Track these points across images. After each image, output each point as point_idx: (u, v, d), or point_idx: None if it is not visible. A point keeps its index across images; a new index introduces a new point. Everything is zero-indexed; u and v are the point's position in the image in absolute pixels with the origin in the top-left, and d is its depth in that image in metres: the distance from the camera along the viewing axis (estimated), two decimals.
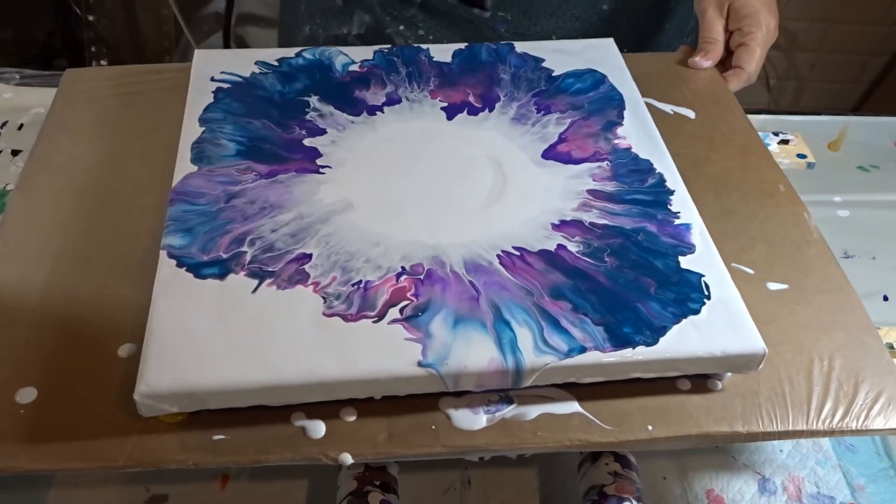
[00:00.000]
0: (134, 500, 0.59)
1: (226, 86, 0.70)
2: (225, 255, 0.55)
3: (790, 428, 0.52)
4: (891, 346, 0.60)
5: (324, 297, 0.52)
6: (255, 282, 0.53)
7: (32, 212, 0.63)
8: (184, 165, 0.62)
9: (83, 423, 0.50)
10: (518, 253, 0.56)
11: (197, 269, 0.53)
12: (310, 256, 0.55)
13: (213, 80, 0.70)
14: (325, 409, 0.51)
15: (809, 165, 0.74)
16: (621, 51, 0.78)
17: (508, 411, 0.52)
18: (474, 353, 0.50)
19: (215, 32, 1.80)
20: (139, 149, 0.69)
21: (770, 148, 0.76)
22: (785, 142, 0.77)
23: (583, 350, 0.50)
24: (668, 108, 0.76)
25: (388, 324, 0.51)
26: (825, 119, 0.95)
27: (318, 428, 0.51)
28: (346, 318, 0.51)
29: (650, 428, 0.52)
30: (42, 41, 1.77)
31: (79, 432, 0.49)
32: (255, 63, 0.73)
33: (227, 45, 1.80)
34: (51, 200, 0.64)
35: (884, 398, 0.54)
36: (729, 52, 0.81)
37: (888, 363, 0.56)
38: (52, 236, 0.61)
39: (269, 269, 0.54)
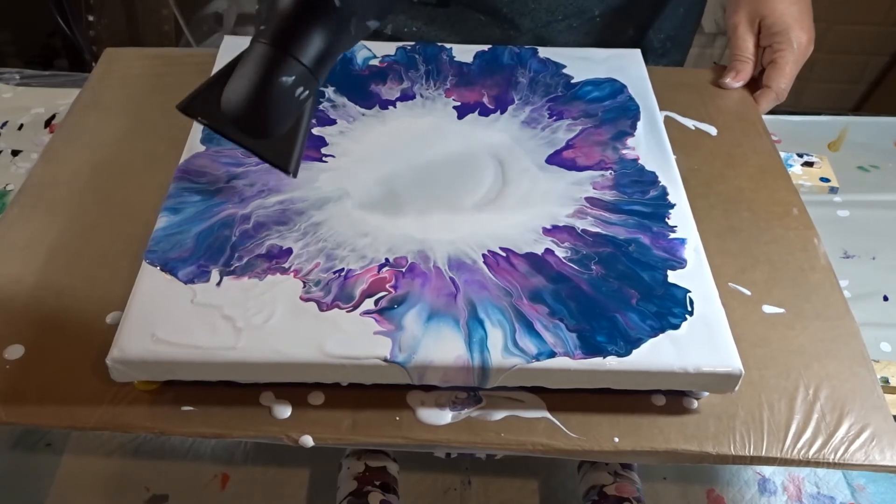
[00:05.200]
0: (134, 500, 0.61)
1: None
2: (210, 239, 0.56)
3: (763, 454, 0.51)
4: (885, 381, 0.58)
5: (303, 283, 0.53)
6: (237, 264, 0.54)
7: (49, 181, 0.66)
8: (193, 145, 0.63)
9: (62, 382, 0.52)
10: (504, 254, 0.56)
11: (174, 269, 0.54)
12: (294, 244, 0.56)
13: None
14: (294, 391, 0.52)
15: (832, 190, 0.72)
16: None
17: (474, 411, 0.52)
18: (443, 348, 0.50)
19: (215, 32, 1.83)
20: (160, 128, 0.71)
21: (792, 169, 0.74)
22: (809, 164, 0.74)
23: (552, 355, 0.50)
24: (690, 122, 0.75)
25: (361, 314, 0.51)
26: (825, 119, 0.93)
27: (284, 409, 0.52)
28: (321, 306, 0.52)
29: (617, 440, 0.51)
30: (42, 41, 1.81)
31: (57, 392, 0.51)
32: None
33: None
34: (69, 171, 0.67)
35: (867, 433, 0.52)
36: (761, 69, 0.79)
37: (878, 397, 0.54)
38: (63, 206, 0.64)
39: (252, 252, 0.55)
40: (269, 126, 0.50)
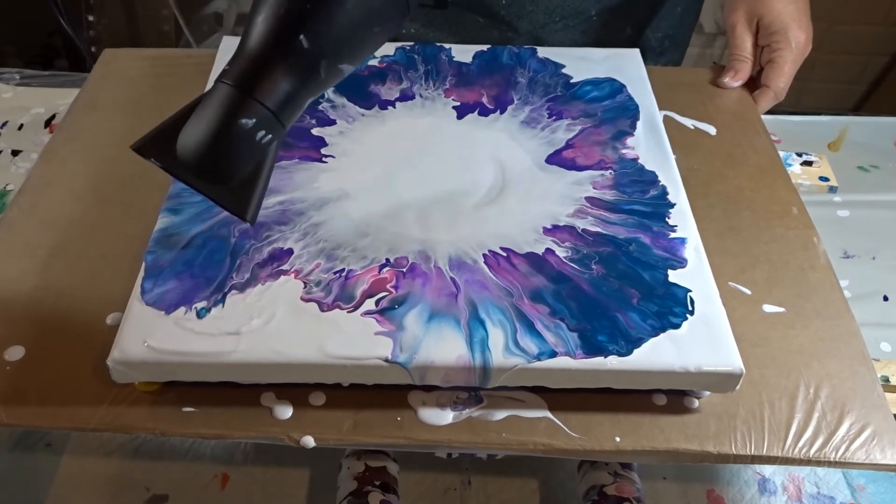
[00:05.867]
0: (134, 500, 0.61)
1: None
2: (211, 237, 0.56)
3: (764, 453, 0.51)
4: (886, 380, 0.58)
5: (304, 283, 0.53)
6: (237, 280, 0.54)
7: (49, 182, 0.66)
8: None
9: (63, 384, 0.52)
10: (505, 254, 0.56)
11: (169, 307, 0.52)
12: (294, 245, 0.56)
13: None
14: (295, 392, 0.52)
15: (831, 189, 0.72)
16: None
17: (475, 411, 0.52)
18: (444, 348, 0.50)
19: (215, 32, 1.83)
20: None
21: (792, 169, 0.74)
22: (808, 163, 0.74)
23: (553, 354, 0.50)
24: (689, 122, 0.75)
25: (362, 315, 0.51)
26: (825, 119, 0.94)
27: (286, 410, 0.52)
28: (322, 307, 0.52)
29: (618, 439, 0.51)
30: (42, 41, 1.80)
31: (58, 392, 0.51)
32: None
33: None
34: (68, 172, 0.67)
35: (868, 432, 0.52)
36: (759, 68, 0.79)
37: (878, 396, 0.54)
38: (63, 207, 0.64)
39: (253, 260, 0.55)
40: (226, 171, 0.46)
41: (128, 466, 0.64)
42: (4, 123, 0.91)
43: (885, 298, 0.71)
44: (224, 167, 0.46)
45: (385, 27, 0.46)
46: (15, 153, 0.87)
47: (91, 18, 1.66)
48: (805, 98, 1.98)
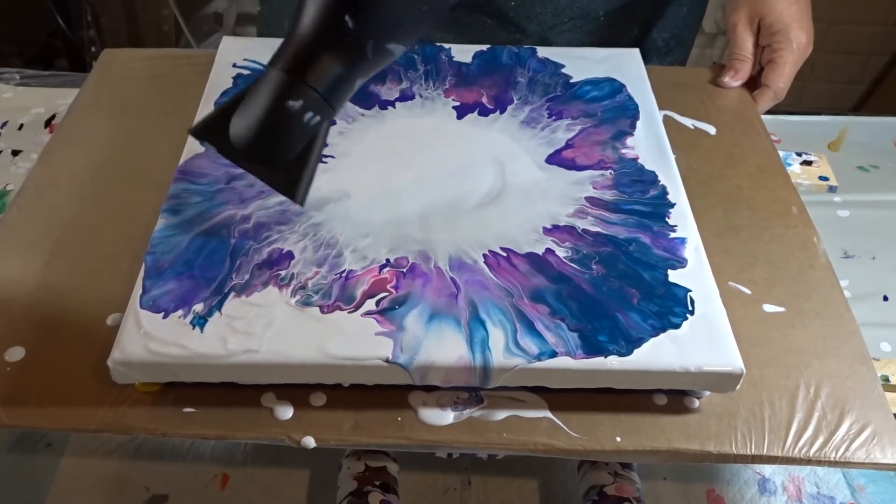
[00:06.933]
0: (134, 500, 0.61)
1: (246, 72, 0.71)
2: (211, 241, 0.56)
3: (764, 453, 0.51)
4: (886, 379, 0.58)
5: (303, 286, 0.53)
6: (238, 281, 0.53)
7: (49, 183, 0.66)
8: (193, 146, 0.63)
9: (64, 385, 0.52)
10: (505, 254, 0.56)
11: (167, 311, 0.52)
12: (293, 246, 0.56)
13: (234, 66, 0.72)
14: (295, 392, 0.52)
15: (831, 189, 0.72)
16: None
17: (476, 411, 0.52)
18: (444, 349, 0.50)
19: (215, 32, 1.83)
20: (160, 129, 0.71)
21: (791, 168, 0.74)
22: (808, 163, 0.74)
23: (553, 354, 0.50)
24: (688, 122, 0.75)
25: (363, 315, 0.51)
26: (825, 119, 0.94)
27: (286, 410, 0.52)
28: (322, 308, 0.52)
29: (618, 439, 0.51)
30: (42, 41, 1.80)
31: (58, 394, 0.51)
32: None
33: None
34: (68, 173, 0.67)
35: (868, 431, 0.52)
36: (760, 68, 0.79)
37: (878, 395, 0.54)
38: (63, 208, 0.64)
39: (252, 261, 0.54)
40: (275, 152, 0.48)
41: (128, 466, 0.64)
42: (4, 123, 0.91)
43: (885, 298, 0.72)
44: (273, 149, 0.48)
45: (434, 5, 0.46)
46: (15, 153, 0.87)
47: (91, 18, 1.66)
48: (805, 98, 1.98)
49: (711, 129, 0.74)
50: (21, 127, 0.91)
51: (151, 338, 0.49)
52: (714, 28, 1.90)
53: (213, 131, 0.51)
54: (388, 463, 0.66)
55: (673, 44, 0.91)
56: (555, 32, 0.85)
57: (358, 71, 0.47)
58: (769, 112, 0.78)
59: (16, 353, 0.53)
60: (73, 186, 0.66)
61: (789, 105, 0.79)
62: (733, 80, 0.78)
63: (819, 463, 0.51)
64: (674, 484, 0.60)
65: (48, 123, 0.92)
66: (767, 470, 0.60)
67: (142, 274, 0.53)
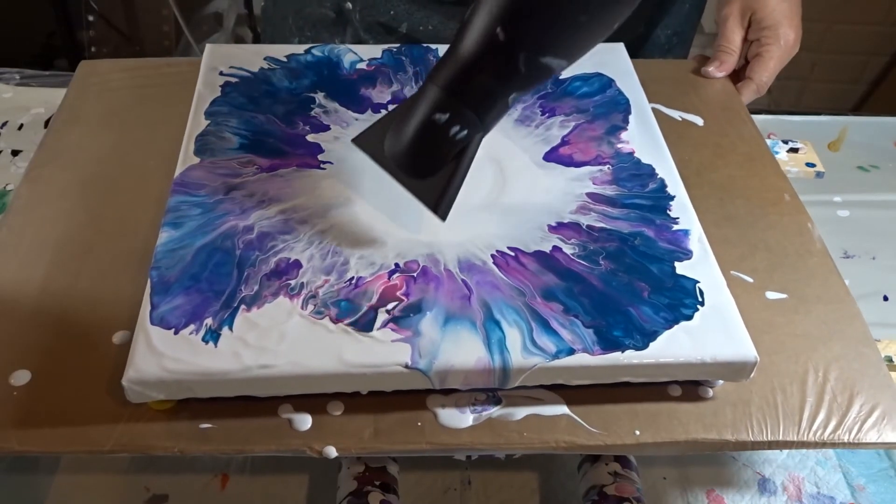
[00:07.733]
0: (134, 500, 0.60)
1: (234, 80, 0.70)
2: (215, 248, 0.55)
3: (780, 438, 0.52)
4: (889, 359, 0.59)
5: (314, 295, 0.52)
6: (247, 292, 0.53)
7: (38, 201, 0.64)
8: (187, 157, 0.62)
9: (74, 406, 0.51)
10: (513, 253, 0.56)
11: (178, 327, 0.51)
12: (300, 255, 0.55)
13: (221, 74, 0.71)
14: (313, 402, 0.52)
15: (818, 174, 0.74)
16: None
17: (495, 411, 0.52)
18: (462, 351, 0.50)
19: (215, 32, 1.82)
20: (147, 141, 0.70)
21: (779, 156, 0.76)
22: (794, 150, 0.76)
23: (571, 352, 0.50)
24: (676, 114, 0.76)
25: (378, 328, 0.51)
26: (825, 119, 0.95)
27: (305, 421, 0.51)
28: (333, 320, 0.51)
29: (638, 433, 0.51)
30: (42, 41, 1.79)
31: (69, 416, 0.50)
32: (264, 59, 0.73)
33: (256, 38, 1.85)
34: (56, 190, 0.65)
35: (878, 412, 0.53)
36: (746, 62, 0.80)
37: (885, 376, 0.55)
38: (55, 226, 0.62)
39: (260, 272, 0.54)
40: (422, 165, 0.49)
41: (128, 466, 0.63)
42: (4, 123, 0.90)
43: (885, 298, 0.73)
44: (420, 161, 0.49)
45: (595, 16, 0.43)
46: (15, 153, 0.86)
47: (91, 18, 1.64)
48: (805, 98, 1.99)
49: (699, 121, 0.75)
50: (21, 127, 0.90)
51: (165, 355, 0.48)
52: (714, 28, 1.91)
53: (370, 141, 0.52)
54: (388, 463, 0.65)
55: (675, 40, 0.92)
56: None
57: (509, 85, 0.46)
58: (769, 112, 0.79)
59: (21, 377, 0.52)
60: (62, 205, 0.64)
61: (789, 105, 0.80)
62: (718, 71, 0.79)
63: (833, 445, 0.52)
64: (674, 484, 0.61)
65: (48, 123, 0.90)
66: (767, 470, 0.61)
67: (148, 290, 0.52)
